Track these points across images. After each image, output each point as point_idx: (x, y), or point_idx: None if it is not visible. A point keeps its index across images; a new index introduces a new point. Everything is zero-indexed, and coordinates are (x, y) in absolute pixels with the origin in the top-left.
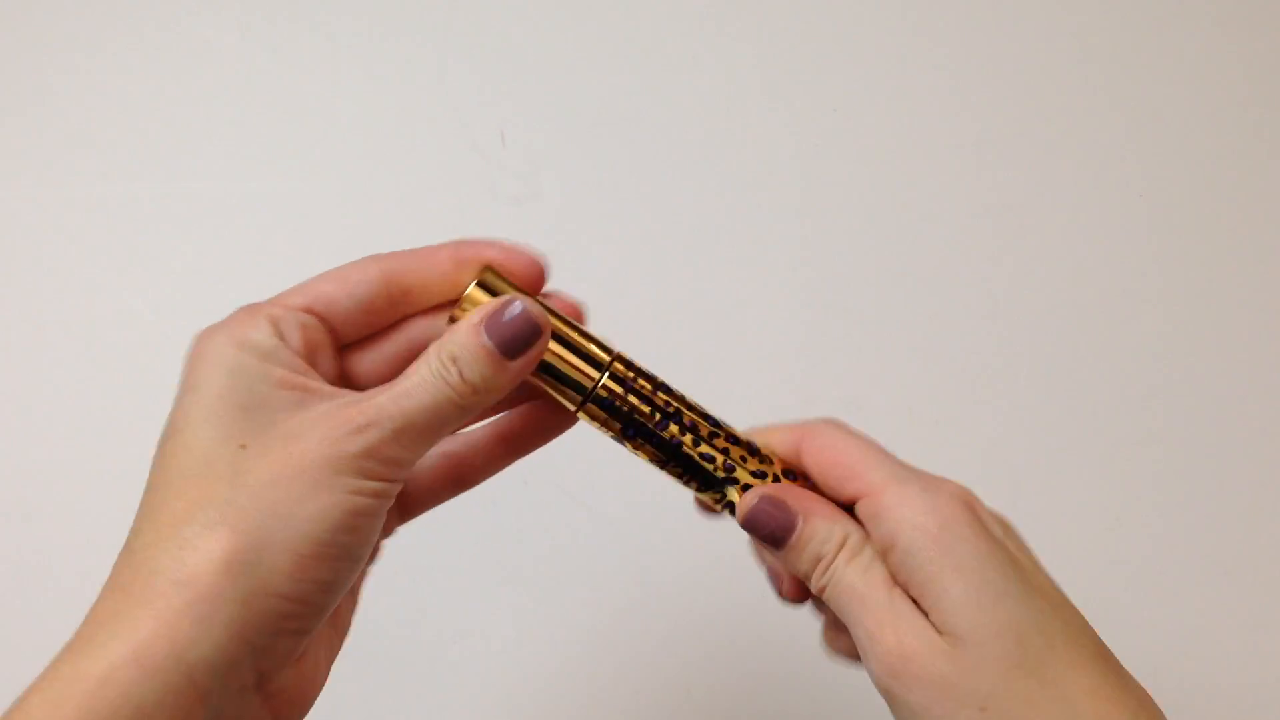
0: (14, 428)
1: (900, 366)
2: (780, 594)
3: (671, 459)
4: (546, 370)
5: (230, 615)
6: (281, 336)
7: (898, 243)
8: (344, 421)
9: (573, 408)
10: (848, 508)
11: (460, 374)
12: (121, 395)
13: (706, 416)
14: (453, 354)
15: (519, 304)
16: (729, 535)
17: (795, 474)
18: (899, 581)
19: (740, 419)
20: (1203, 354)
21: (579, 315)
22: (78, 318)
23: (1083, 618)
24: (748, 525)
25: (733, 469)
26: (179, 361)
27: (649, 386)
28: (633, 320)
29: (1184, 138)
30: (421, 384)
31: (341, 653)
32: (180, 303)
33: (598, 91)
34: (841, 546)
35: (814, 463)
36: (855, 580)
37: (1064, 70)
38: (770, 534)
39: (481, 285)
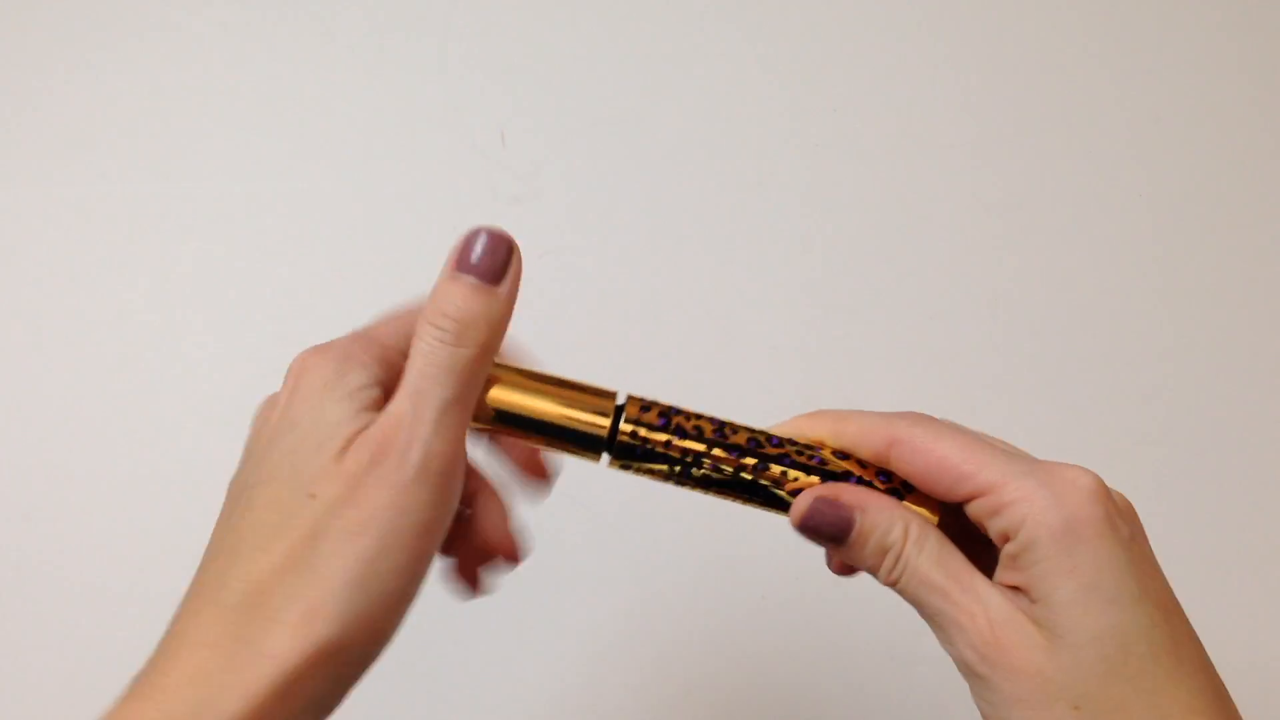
0: (14, 427)
1: (900, 366)
2: (831, 568)
3: (718, 488)
4: (561, 435)
5: (311, 692)
6: (380, 382)
7: (898, 243)
8: (386, 445)
9: (602, 462)
10: (952, 507)
11: (456, 321)
12: (121, 395)
13: (737, 435)
14: (440, 310)
15: (481, 231)
16: (728, 535)
17: (845, 471)
18: (1011, 570)
19: (741, 418)
20: (1203, 354)
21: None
22: (77, 317)
23: (1192, 630)
24: (805, 529)
25: (780, 482)
26: (178, 361)
27: (669, 421)
28: (633, 320)
29: (1185, 137)
30: (427, 361)
31: None
32: (180, 303)
33: (598, 91)
34: (906, 537)
35: (913, 464)
36: (930, 571)
37: (1064, 70)
38: (830, 534)
39: (506, 385)
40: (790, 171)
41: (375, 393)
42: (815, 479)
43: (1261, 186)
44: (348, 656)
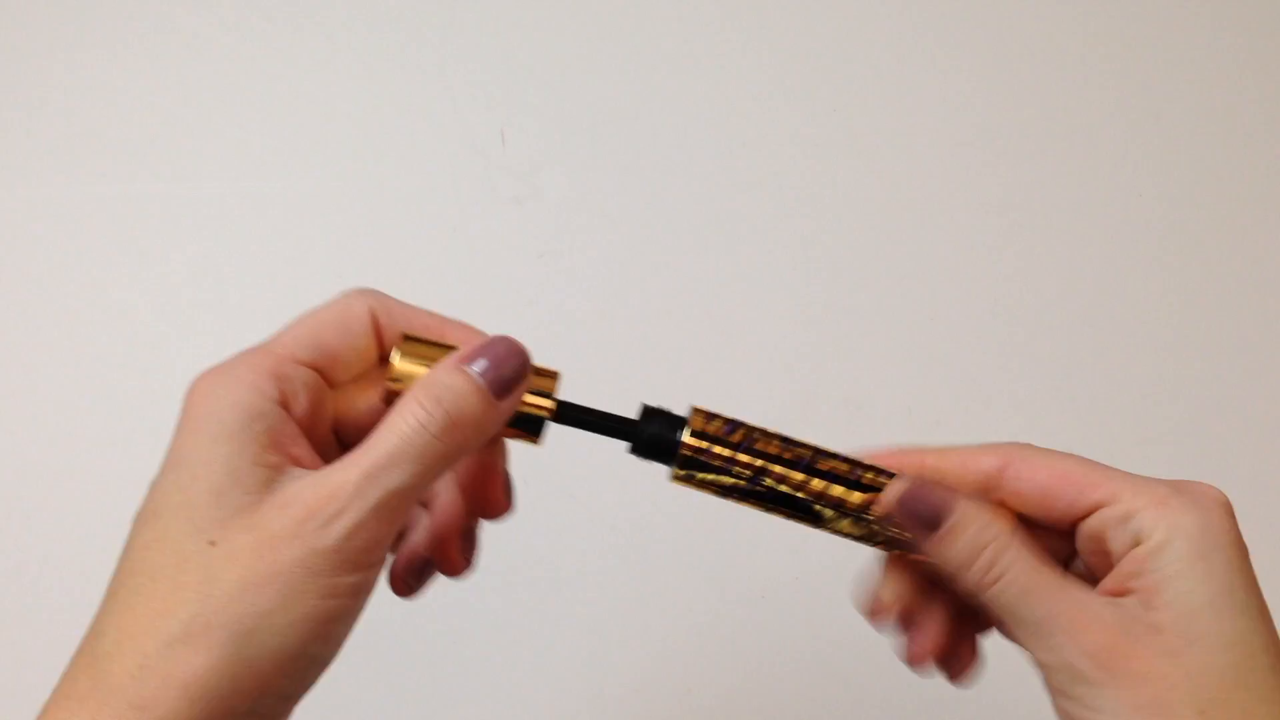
0: (13, 428)
1: (900, 366)
2: (911, 659)
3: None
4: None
5: None
6: (285, 400)
7: (898, 243)
8: (315, 510)
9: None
10: (1069, 523)
11: (447, 416)
12: (120, 395)
13: (805, 451)
14: (436, 395)
15: (505, 340)
16: (729, 535)
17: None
18: (1130, 576)
19: (740, 418)
20: (1203, 354)
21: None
22: (77, 318)
23: None
24: (902, 506)
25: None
26: (177, 361)
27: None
28: (633, 320)
29: (1185, 137)
30: (401, 442)
31: (342, 652)
32: (180, 303)
33: (598, 92)
34: (1005, 535)
35: (1032, 481)
36: (1032, 574)
37: (1065, 70)
38: (925, 516)
39: (406, 355)
40: (790, 171)
41: (277, 423)
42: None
43: (1262, 186)
44: (239, 710)
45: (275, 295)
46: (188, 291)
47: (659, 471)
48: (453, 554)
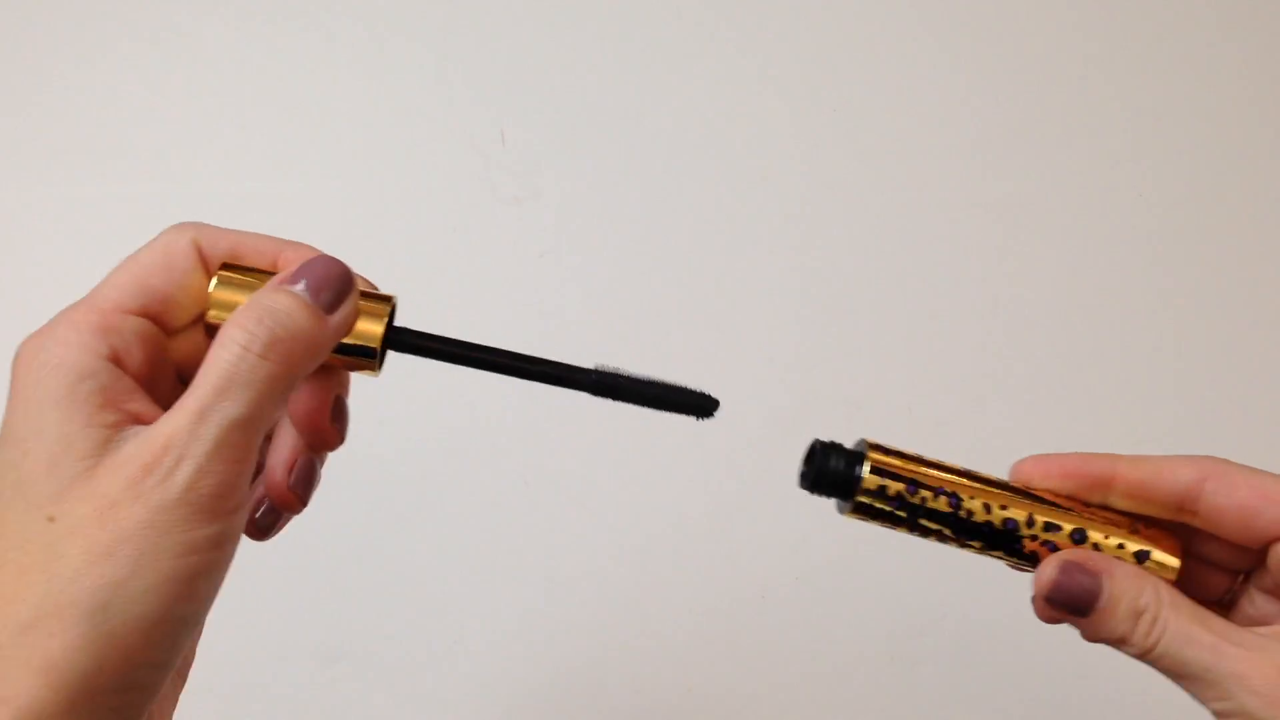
0: None
1: (900, 366)
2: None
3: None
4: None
5: None
6: (116, 355)
7: (898, 243)
8: (152, 464)
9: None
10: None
11: (271, 334)
12: None
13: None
14: (255, 314)
15: (326, 257)
16: (728, 535)
17: (1083, 535)
18: None
19: (741, 418)
20: (1203, 354)
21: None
22: None
23: None
24: (1054, 598)
25: (1020, 537)
26: None
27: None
28: (632, 319)
29: (1185, 138)
30: (226, 369)
31: (342, 653)
32: None
33: (597, 92)
34: (1159, 598)
35: (1230, 498)
36: (1193, 627)
37: (1064, 71)
38: (1078, 603)
39: (226, 284)
40: (789, 172)
41: (109, 381)
42: (1061, 534)
43: (1262, 186)
44: (107, 686)
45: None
46: None
47: (659, 471)
48: (283, 489)
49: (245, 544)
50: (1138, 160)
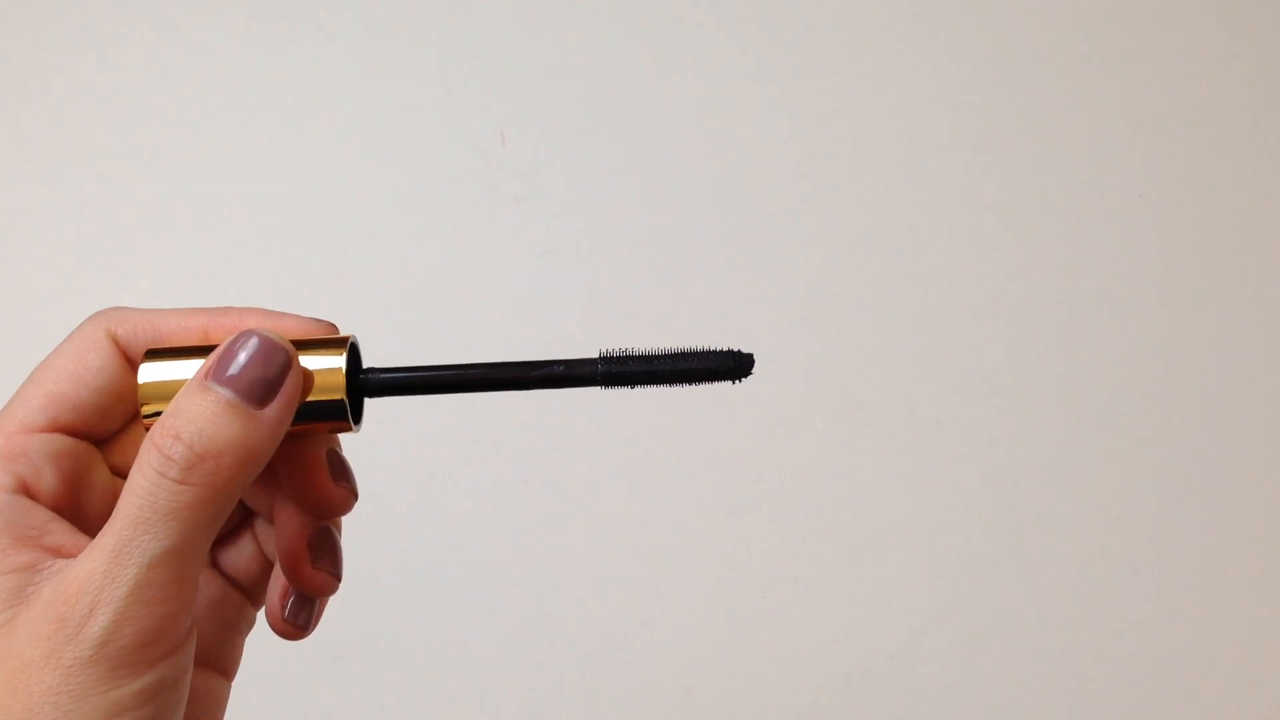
0: None
1: (900, 366)
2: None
3: None
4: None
5: None
6: (25, 483)
7: (898, 243)
8: (65, 615)
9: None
10: None
11: (190, 452)
12: None
13: None
14: (173, 429)
15: (254, 335)
16: (728, 535)
17: None
18: None
19: (741, 418)
20: (1203, 354)
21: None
22: (77, 318)
23: None
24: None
25: None
26: None
27: None
28: (633, 320)
29: (1186, 138)
30: (142, 501)
31: (342, 652)
32: (180, 303)
33: (597, 91)
34: None
35: None
36: None
37: (1065, 71)
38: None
39: (154, 372)
40: (789, 172)
41: (17, 515)
42: None
43: (1262, 187)
44: None
45: (275, 295)
46: (188, 291)
47: (659, 471)
48: (304, 571)
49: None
50: (1138, 160)
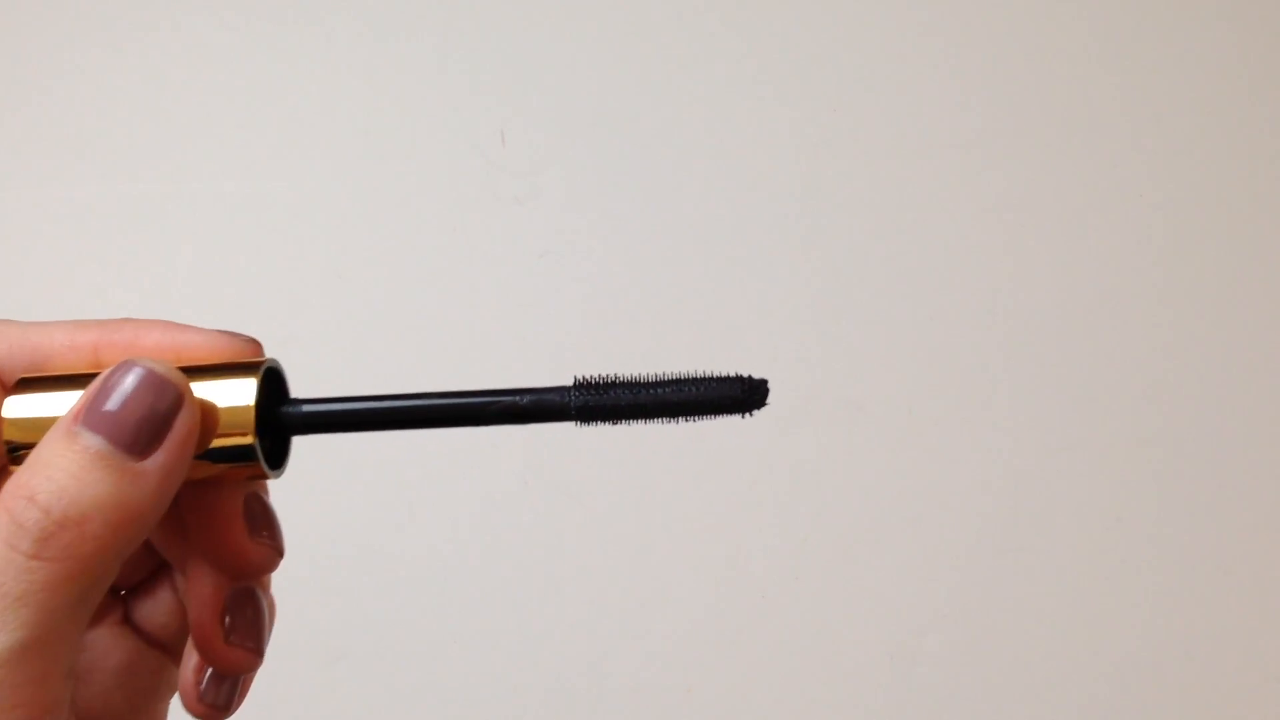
0: None
1: (900, 366)
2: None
3: None
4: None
5: None
6: None
7: (898, 243)
8: None
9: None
10: None
11: (46, 519)
12: None
13: None
14: (30, 491)
15: (135, 367)
16: (728, 535)
17: None
18: None
19: (741, 418)
20: (1203, 354)
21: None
22: (77, 317)
23: None
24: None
25: None
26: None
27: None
28: (633, 320)
29: (1186, 139)
30: None
31: (342, 652)
32: (179, 302)
33: (597, 91)
34: None
35: None
36: None
37: (1066, 72)
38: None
39: (23, 405)
40: (789, 171)
41: None
42: None
43: (1262, 187)
44: None
45: (275, 295)
46: (187, 291)
47: (659, 470)
48: (216, 645)
49: None
50: (1138, 160)
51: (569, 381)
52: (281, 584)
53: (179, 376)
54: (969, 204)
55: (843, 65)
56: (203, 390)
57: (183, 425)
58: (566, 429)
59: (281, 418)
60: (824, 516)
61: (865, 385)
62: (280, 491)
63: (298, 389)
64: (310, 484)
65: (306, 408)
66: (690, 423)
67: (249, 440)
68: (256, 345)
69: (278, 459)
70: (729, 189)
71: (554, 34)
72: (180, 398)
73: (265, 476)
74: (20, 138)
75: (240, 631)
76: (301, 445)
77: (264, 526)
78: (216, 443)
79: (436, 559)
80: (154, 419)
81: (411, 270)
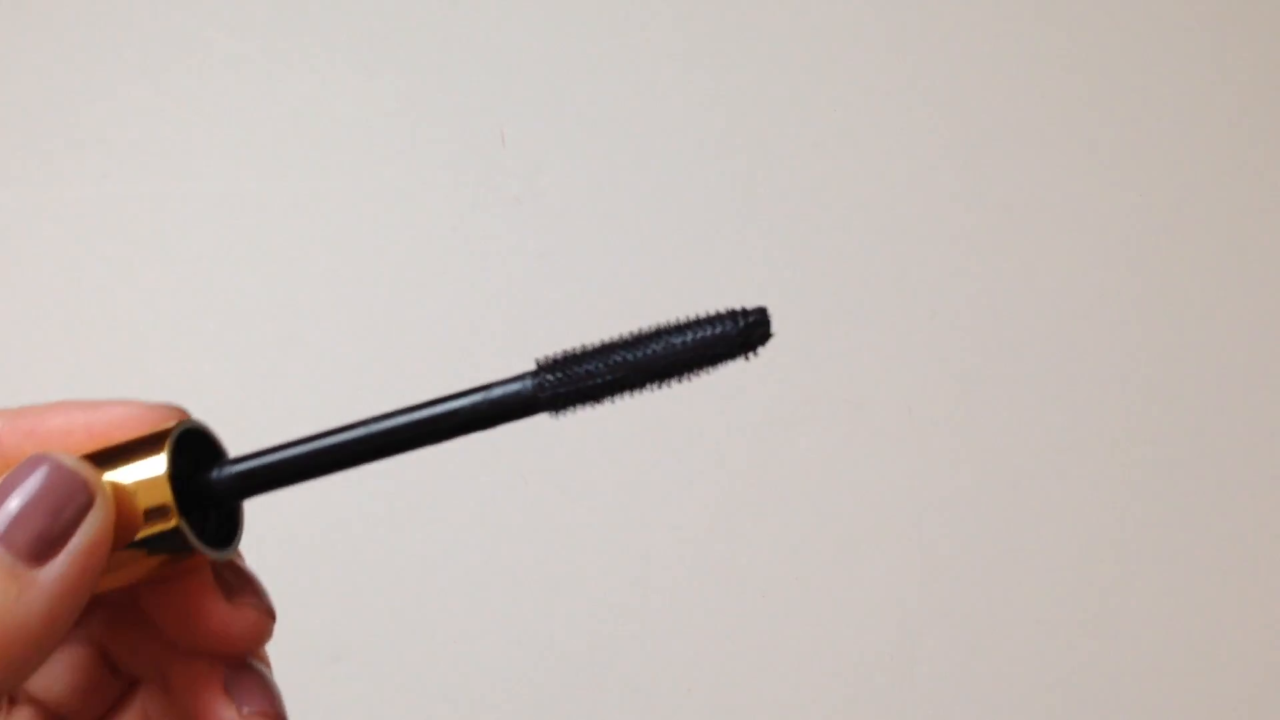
0: None
1: (900, 366)
2: None
3: None
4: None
5: None
6: None
7: (897, 242)
8: None
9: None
10: None
11: None
12: (120, 395)
13: None
14: None
15: (41, 464)
16: (728, 535)
17: None
18: None
19: (741, 418)
20: (1203, 354)
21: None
22: (77, 317)
23: None
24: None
25: None
26: (177, 361)
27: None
28: (633, 321)
29: (1184, 139)
30: None
31: (341, 652)
32: (180, 302)
33: (598, 92)
34: None
35: None
36: None
37: (1063, 71)
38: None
39: None
40: (789, 171)
41: None
42: None
43: (1261, 187)
44: None
45: (275, 295)
46: (188, 291)
47: (658, 470)
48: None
49: (245, 544)
50: (1138, 161)
51: (534, 363)
52: (281, 584)
53: (88, 470)
54: (969, 204)
55: (842, 64)
56: (119, 476)
57: (89, 527)
58: (568, 423)
59: (211, 486)
60: (823, 516)
61: (865, 385)
62: (280, 491)
63: (299, 388)
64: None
65: (240, 467)
66: (684, 382)
67: (172, 524)
68: (176, 411)
69: (225, 534)
70: (728, 189)
71: (554, 34)
72: (90, 496)
73: (205, 561)
74: (21, 138)
75: (254, 698)
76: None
77: (243, 590)
78: (142, 533)
79: (435, 558)
80: (57, 522)
81: (411, 270)
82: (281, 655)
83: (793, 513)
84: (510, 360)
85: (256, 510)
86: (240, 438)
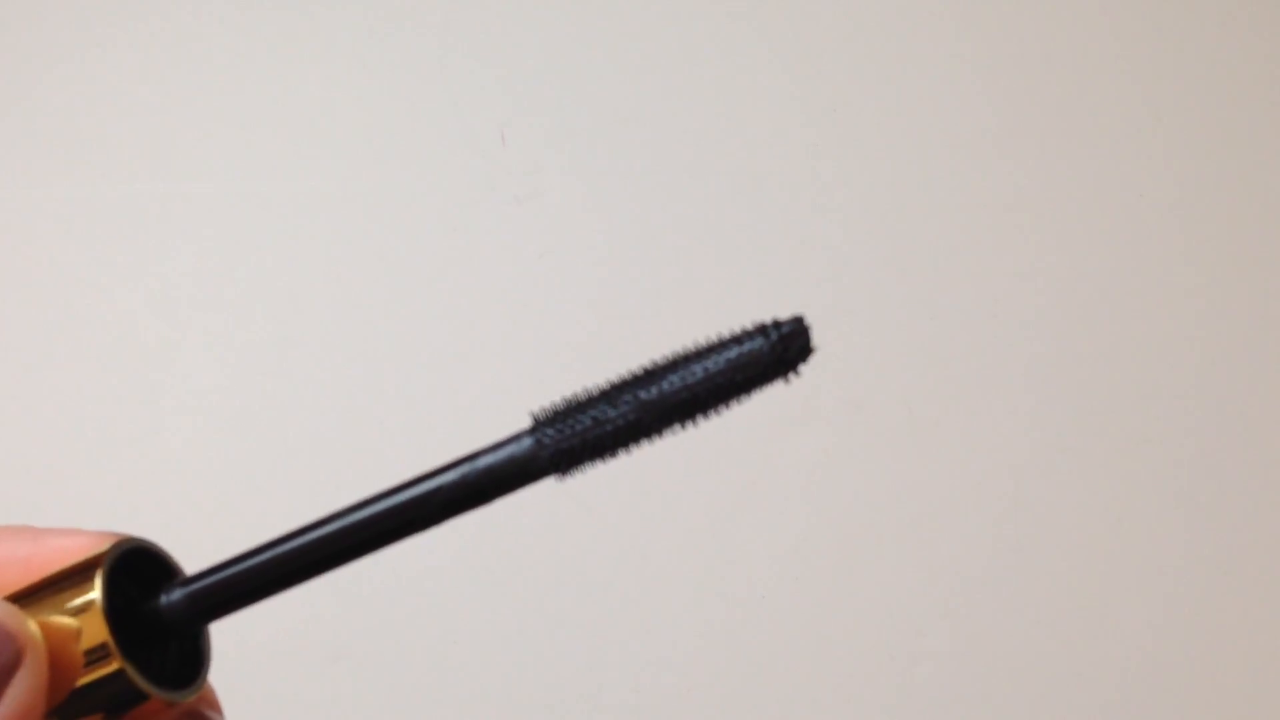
0: (12, 427)
1: (900, 366)
2: None
3: None
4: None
5: None
6: None
7: (897, 242)
8: None
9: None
10: None
11: None
12: (120, 395)
13: None
14: None
15: None
16: (728, 535)
17: None
18: None
19: (740, 418)
20: (1203, 354)
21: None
22: (77, 317)
23: None
24: None
25: None
26: (177, 362)
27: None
28: (634, 321)
29: (1186, 138)
30: None
31: (341, 652)
32: (180, 302)
33: (598, 91)
34: None
35: None
36: None
37: (1065, 71)
38: None
39: None
40: (790, 171)
41: None
42: None
43: (1262, 187)
44: None
45: (275, 295)
46: (188, 291)
47: (658, 470)
48: None
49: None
50: (1139, 161)
51: (530, 419)
52: None
53: (16, 620)
54: (969, 204)
55: (843, 64)
56: (54, 616)
57: (17, 690)
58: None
59: (160, 614)
60: (823, 517)
61: (865, 385)
62: (280, 491)
63: (298, 392)
64: (310, 483)
65: (190, 588)
66: (713, 417)
67: (114, 666)
68: (114, 538)
69: (189, 670)
70: (730, 189)
71: (554, 34)
72: (17, 653)
73: (169, 702)
74: (21, 138)
75: None
76: (299, 449)
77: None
78: (84, 679)
79: (435, 559)
80: None
81: (411, 270)
82: (281, 655)
83: (792, 512)
84: (510, 361)
85: (256, 512)
86: (235, 436)
